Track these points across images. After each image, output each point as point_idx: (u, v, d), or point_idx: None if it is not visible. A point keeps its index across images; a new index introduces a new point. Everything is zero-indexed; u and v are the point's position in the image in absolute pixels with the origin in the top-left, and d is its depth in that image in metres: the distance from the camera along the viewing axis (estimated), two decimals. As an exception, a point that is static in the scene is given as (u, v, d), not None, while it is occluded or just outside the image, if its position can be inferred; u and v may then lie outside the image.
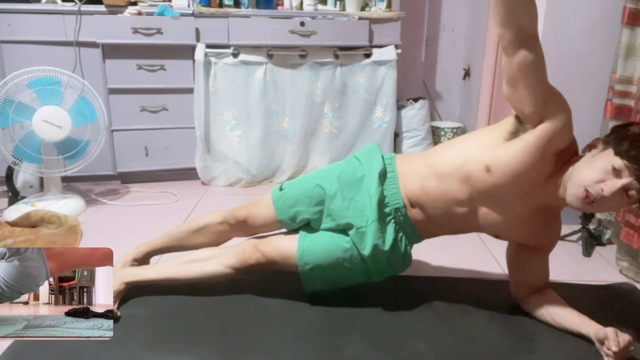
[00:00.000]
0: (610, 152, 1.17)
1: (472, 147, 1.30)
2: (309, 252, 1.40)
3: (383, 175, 1.41)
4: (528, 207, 1.30)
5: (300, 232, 1.45)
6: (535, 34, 1.13)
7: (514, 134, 1.24)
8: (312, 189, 1.44)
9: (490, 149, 1.26)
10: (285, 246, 1.43)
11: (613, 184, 1.14)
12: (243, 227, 1.51)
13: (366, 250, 1.36)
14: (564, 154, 1.24)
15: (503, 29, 1.12)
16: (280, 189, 1.49)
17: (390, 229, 1.38)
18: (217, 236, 1.55)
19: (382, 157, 1.45)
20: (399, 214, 1.39)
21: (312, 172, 1.53)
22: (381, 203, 1.37)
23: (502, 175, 1.23)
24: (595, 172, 1.16)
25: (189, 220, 1.61)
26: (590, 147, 1.25)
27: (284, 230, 1.51)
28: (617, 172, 1.14)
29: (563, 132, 1.20)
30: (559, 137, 1.20)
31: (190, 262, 1.47)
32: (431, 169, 1.35)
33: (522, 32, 1.11)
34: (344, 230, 1.40)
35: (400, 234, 1.41)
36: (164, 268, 1.49)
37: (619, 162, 1.14)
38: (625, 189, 1.14)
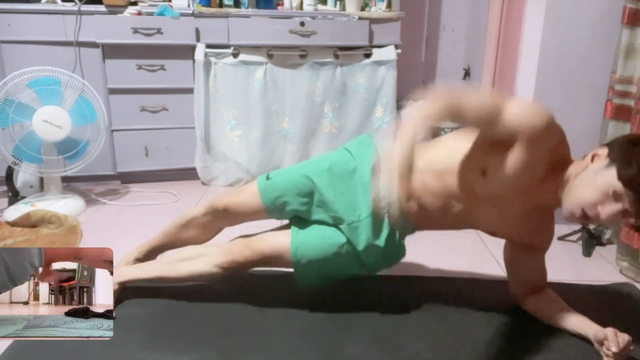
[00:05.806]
0: (613, 172, 1.12)
1: (468, 146, 1.28)
2: (302, 248, 1.38)
3: None
4: (525, 207, 1.29)
5: (292, 227, 1.44)
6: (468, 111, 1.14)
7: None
8: (300, 180, 1.40)
9: (486, 148, 1.24)
10: (279, 242, 1.41)
11: (611, 209, 1.11)
12: (227, 216, 1.50)
13: (360, 246, 1.34)
14: (557, 149, 1.20)
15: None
16: (267, 178, 1.46)
17: (385, 223, 1.36)
18: (205, 228, 1.54)
19: (375, 148, 1.42)
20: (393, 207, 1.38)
21: (302, 162, 1.50)
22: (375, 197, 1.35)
23: (499, 174, 1.21)
24: (594, 193, 1.13)
25: (178, 216, 1.60)
26: (593, 156, 1.19)
27: (274, 227, 1.49)
28: (617, 197, 1.11)
29: (545, 130, 1.13)
30: (544, 137, 1.14)
31: (179, 260, 1.46)
32: (428, 165, 1.33)
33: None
34: (335, 223, 1.38)
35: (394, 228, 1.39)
36: (153, 267, 1.48)
37: (620, 188, 1.10)
38: (622, 214, 1.12)
